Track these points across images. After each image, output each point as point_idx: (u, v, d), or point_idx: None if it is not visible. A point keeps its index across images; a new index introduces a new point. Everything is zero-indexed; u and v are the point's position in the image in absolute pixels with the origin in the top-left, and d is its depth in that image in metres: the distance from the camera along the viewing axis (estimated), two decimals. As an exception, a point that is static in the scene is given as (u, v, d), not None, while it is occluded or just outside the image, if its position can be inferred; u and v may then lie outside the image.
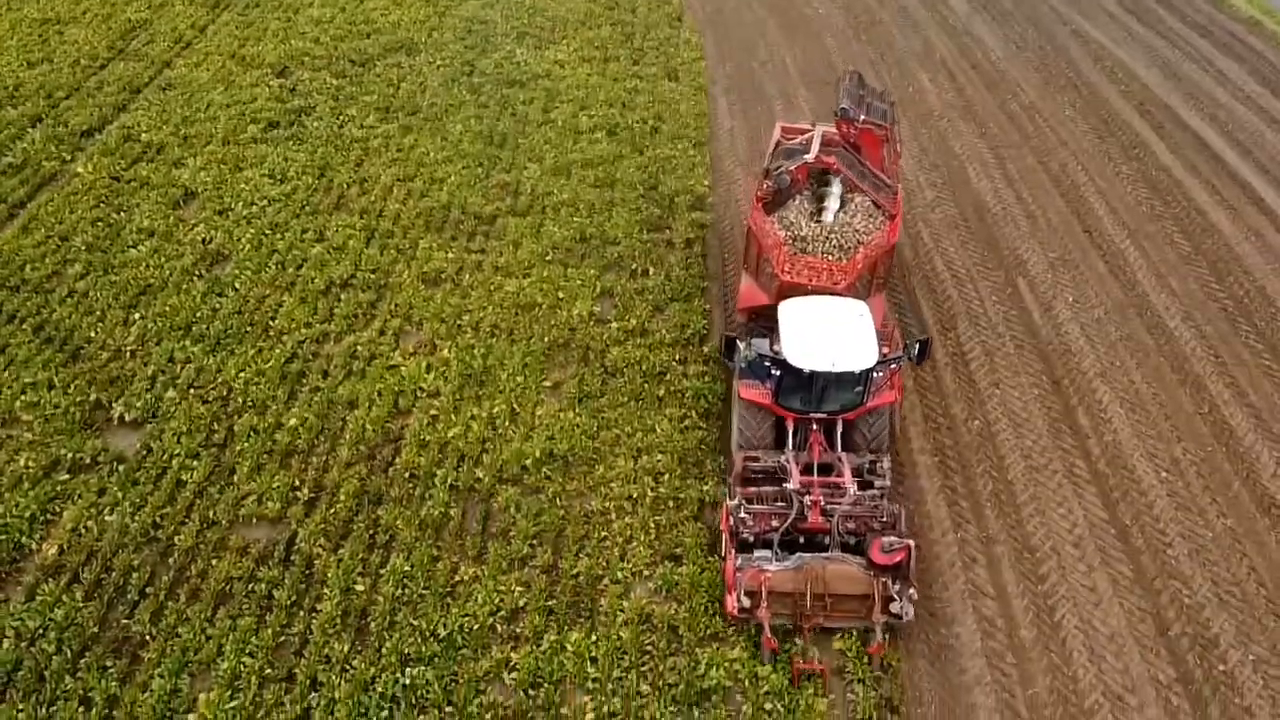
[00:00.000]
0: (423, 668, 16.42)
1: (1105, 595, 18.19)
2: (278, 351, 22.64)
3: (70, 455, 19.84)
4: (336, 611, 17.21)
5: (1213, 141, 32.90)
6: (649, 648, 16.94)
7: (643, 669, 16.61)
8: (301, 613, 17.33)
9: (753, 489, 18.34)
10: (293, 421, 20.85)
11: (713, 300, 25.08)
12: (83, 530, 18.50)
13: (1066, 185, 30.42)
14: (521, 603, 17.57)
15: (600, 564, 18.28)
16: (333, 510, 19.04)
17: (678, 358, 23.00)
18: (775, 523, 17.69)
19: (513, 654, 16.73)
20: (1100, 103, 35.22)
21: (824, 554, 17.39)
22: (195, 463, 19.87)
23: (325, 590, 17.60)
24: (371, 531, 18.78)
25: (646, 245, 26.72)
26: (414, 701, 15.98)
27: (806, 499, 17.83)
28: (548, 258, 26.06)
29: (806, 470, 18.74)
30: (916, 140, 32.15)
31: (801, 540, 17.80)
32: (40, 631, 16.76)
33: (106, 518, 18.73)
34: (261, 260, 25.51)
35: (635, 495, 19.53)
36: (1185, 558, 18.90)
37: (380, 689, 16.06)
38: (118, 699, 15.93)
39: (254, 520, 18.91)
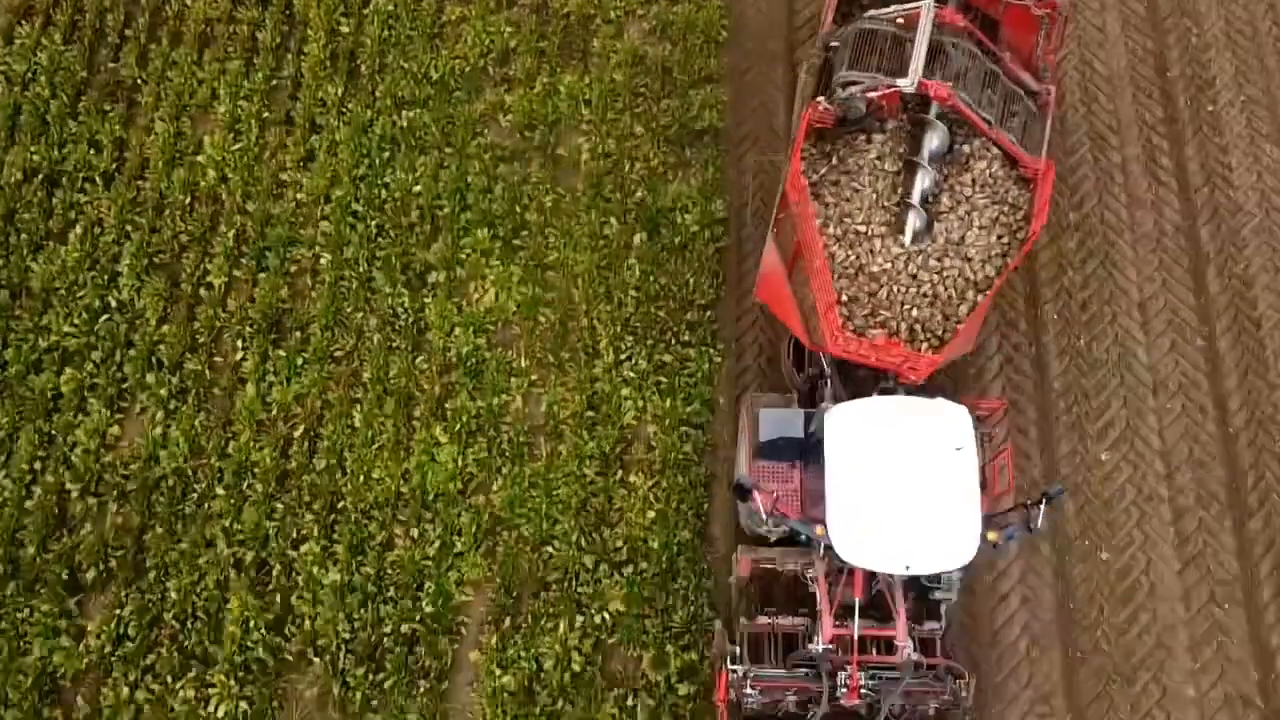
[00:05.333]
0: (419, 110, 16.63)
1: (1113, 35, 17.70)
2: None
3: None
4: (324, 54, 16.96)
5: None
6: (642, 90, 16.95)
7: (636, 111, 16.79)
8: (289, 55, 17.10)
9: (765, 620, 12.45)
10: None
11: None
12: (43, -33, 17.53)
13: None
14: (512, 44, 17.21)
15: (591, 2, 17.55)
16: (304, -56, 17.80)
17: None
18: (793, 696, 12.27)
19: (506, 97, 16.81)
20: None
21: None
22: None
23: (309, 32, 17.16)
24: (348, -33, 17.77)
25: None
26: (413, 143, 16.45)
27: (842, 676, 12.29)
28: None
29: (844, 579, 12.37)
30: None
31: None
32: (30, 76, 16.74)
33: (64, -47, 17.63)
34: None
35: (628, -76, 18.08)
36: (1205, -7, 18.10)
37: (379, 130, 16.45)
38: (125, 141, 16.43)
39: (222, -45, 17.79)
